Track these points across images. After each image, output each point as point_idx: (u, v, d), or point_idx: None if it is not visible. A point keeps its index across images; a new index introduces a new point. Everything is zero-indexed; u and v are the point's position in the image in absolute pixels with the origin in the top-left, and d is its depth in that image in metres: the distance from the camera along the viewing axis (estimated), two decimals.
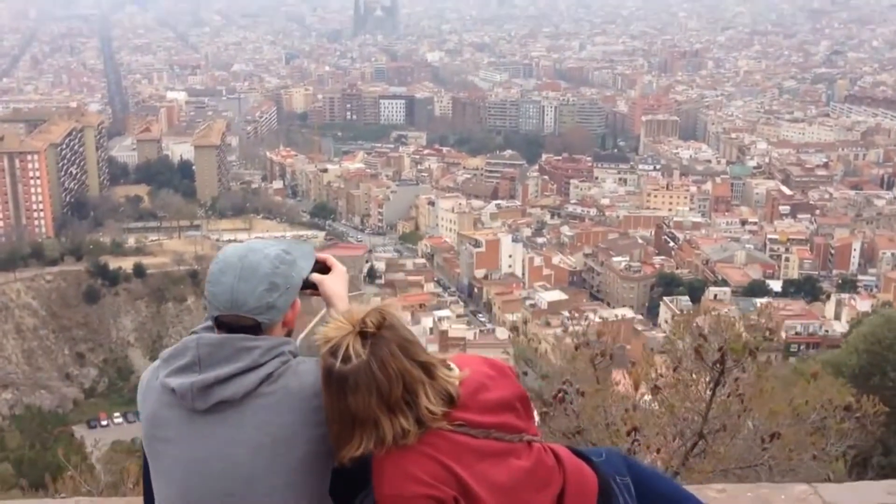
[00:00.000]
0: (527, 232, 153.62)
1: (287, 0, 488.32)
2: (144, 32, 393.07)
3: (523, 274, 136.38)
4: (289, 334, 3.47)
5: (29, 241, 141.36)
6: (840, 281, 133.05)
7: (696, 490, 4.78)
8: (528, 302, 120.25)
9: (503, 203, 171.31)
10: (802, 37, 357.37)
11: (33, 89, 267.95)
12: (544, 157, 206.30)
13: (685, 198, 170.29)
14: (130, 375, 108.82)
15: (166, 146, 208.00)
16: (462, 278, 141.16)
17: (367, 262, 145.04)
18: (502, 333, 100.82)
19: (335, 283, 3.78)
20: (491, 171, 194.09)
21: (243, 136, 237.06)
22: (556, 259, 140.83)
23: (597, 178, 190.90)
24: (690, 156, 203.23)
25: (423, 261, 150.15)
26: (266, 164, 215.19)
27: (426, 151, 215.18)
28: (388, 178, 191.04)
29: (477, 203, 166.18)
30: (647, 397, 8.49)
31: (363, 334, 3.06)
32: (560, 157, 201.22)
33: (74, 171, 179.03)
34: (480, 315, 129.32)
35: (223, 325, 3.33)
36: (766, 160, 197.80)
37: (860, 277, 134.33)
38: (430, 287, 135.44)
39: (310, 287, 3.70)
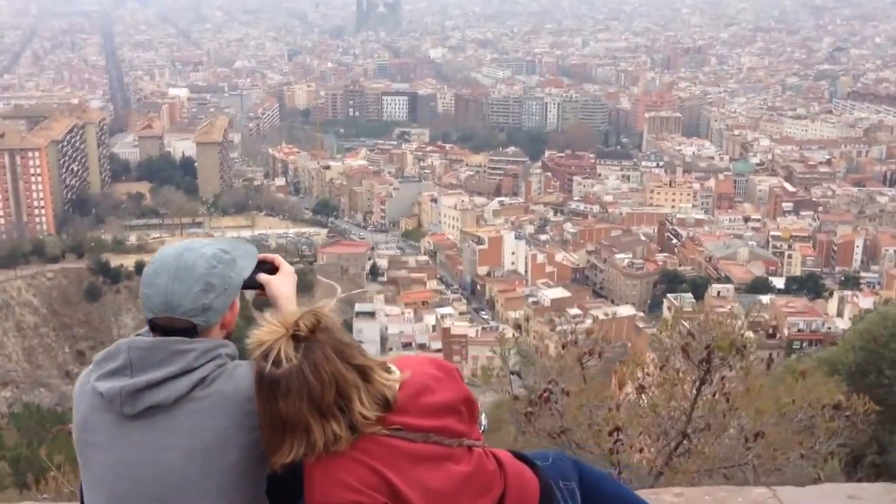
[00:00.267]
0: (530, 229, 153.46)
1: None
2: (146, 29, 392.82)
3: (526, 271, 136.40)
4: (228, 336, 3.37)
5: (30, 238, 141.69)
6: (843, 278, 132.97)
7: (652, 494, 4.68)
8: (530, 299, 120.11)
9: (506, 200, 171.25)
10: (805, 33, 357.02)
11: (34, 86, 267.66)
12: (547, 153, 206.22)
13: (688, 195, 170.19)
14: None
15: (168, 143, 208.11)
16: (465, 275, 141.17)
17: (369, 259, 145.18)
18: (506, 331, 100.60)
19: (282, 284, 3.63)
20: (494, 168, 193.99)
21: (245, 132, 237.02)
22: (558, 256, 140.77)
23: (600, 174, 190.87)
24: (693, 152, 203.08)
25: (425, 258, 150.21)
26: (268, 161, 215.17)
27: (429, 148, 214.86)
28: (390, 175, 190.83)
29: (480, 200, 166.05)
30: (634, 397, 8.37)
31: (297, 338, 2.98)
32: (563, 154, 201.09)
33: (76, 168, 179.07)
34: (483, 312, 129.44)
35: (158, 327, 3.24)
36: (769, 157, 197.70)
37: (863, 274, 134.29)
38: (432, 284, 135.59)
39: (257, 288, 3.58)
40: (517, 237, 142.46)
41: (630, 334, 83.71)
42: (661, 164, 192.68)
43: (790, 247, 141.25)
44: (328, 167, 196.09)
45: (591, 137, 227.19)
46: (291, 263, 3.76)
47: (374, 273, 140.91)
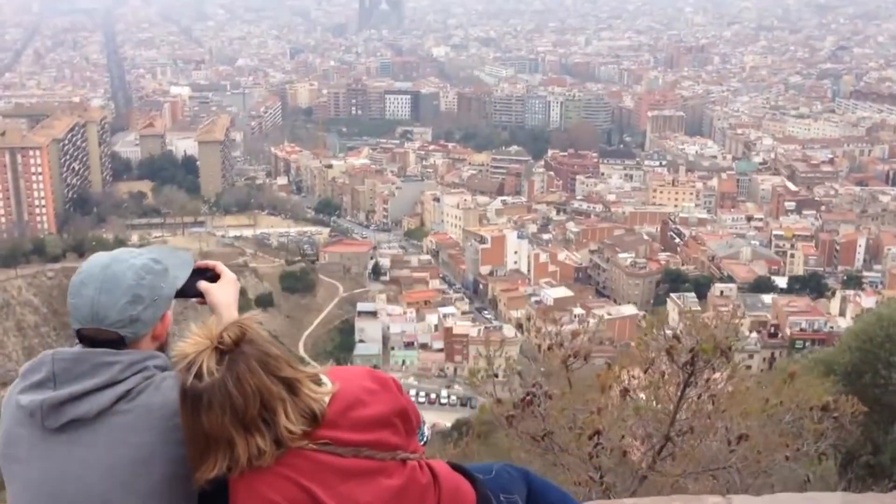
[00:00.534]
0: (532, 228, 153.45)
1: None
2: (148, 27, 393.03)
3: (529, 270, 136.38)
4: (161, 348, 3.30)
5: (30, 237, 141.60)
6: (845, 277, 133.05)
7: None
8: (533, 299, 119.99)
9: (509, 199, 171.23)
10: (808, 32, 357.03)
11: (36, 84, 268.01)
12: (550, 152, 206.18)
13: (691, 194, 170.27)
14: None
15: (170, 141, 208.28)
16: (467, 275, 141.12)
17: (371, 258, 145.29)
18: (509, 330, 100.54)
19: (223, 292, 3.53)
20: (496, 167, 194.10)
21: (247, 131, 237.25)
22: (561, 255, 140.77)
23: (602, 173, 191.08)
24: (696, 151, 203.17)
25: (428, 257, 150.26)
26: (270, 160, 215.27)
27: (431, 147, 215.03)
28: (393, 173, 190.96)
29: (482, 199, 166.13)
30: (618, 400, 8.27)
31: (221, 350, 2.90)
32: (566, 153, 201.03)
33: (77, 167, 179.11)
34: (486, 312, 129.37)
35: (85, 338, 3.16)
36: (772, 156, 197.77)
37: (865, 274, 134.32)
38: (435, 284, 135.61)
39: (197, 296, 3.49)
40: (520, 236, 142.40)
41: (633, 334, 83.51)
42: (663, 163, 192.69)
43: (793, 246, 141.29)
44: (330, 166, 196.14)
45: (593, 136, 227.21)
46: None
47: (377, 272, 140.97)
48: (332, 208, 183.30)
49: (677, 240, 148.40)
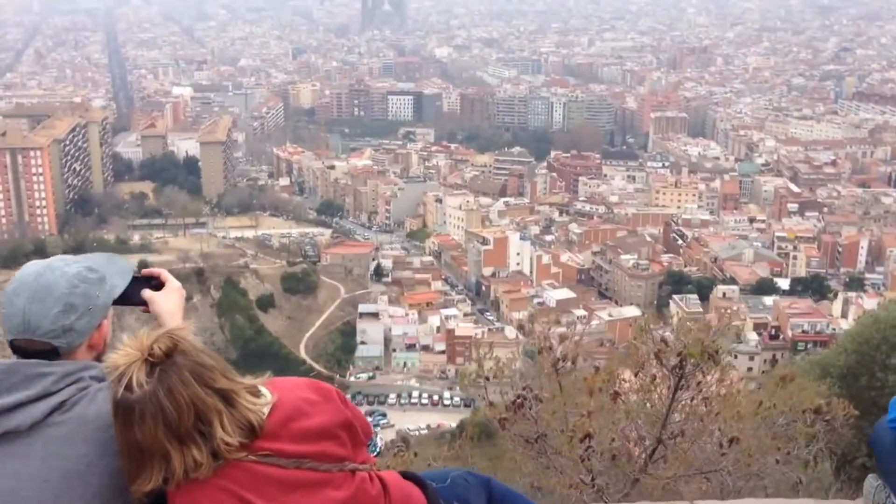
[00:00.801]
0: (535, 229, 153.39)
1: None
2: (149, 27, 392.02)
3: (531, 272, 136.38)
4: (98, 358, 3.24)
5: (31, 238, 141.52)
6: (847, 279, 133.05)
7: None
8: (536, 300, 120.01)
9: (511, 200, 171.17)
10: (811, 33, 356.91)
11: (37, 84, 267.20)
12: (553, 154, 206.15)
13: (693, 195, 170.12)
14: None
15: (171, 142, 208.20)
16: (470, 276, 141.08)
17: (374, 259, 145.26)
18: (511, 332, 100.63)
19: (167, 301, 3.51)
20: (499, 169, 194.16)
21: (250, 132, 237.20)
22: (564, 257, 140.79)
23: (605, 175, 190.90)
24: (699, 153, 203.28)
25: (430, 258, 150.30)
26: (273, 161, 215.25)
27: (434, 148, 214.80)
28: (395, 175, 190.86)
29: (485, 200, 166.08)
30: (609, 403, 8.26)
31: (151, 362, 2.85)
32: (568, 154, 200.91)
33: (78, 168, 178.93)
34: (488, 313, 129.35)
35: (18, 349, 3.11)
36: (775, 157, 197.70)
37: (867, 275, 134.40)
38: (437, 285, 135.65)
39: (140, 304, 3.47)
40: (522, 238, 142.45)
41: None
42: (666, 164, 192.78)
43: (795, 248, 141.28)
44: (333, 167, 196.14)
45: (596, 137, 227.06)
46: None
47: (379, 273, 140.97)
48: (334, 209, 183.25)
49: (680, 241, 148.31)
